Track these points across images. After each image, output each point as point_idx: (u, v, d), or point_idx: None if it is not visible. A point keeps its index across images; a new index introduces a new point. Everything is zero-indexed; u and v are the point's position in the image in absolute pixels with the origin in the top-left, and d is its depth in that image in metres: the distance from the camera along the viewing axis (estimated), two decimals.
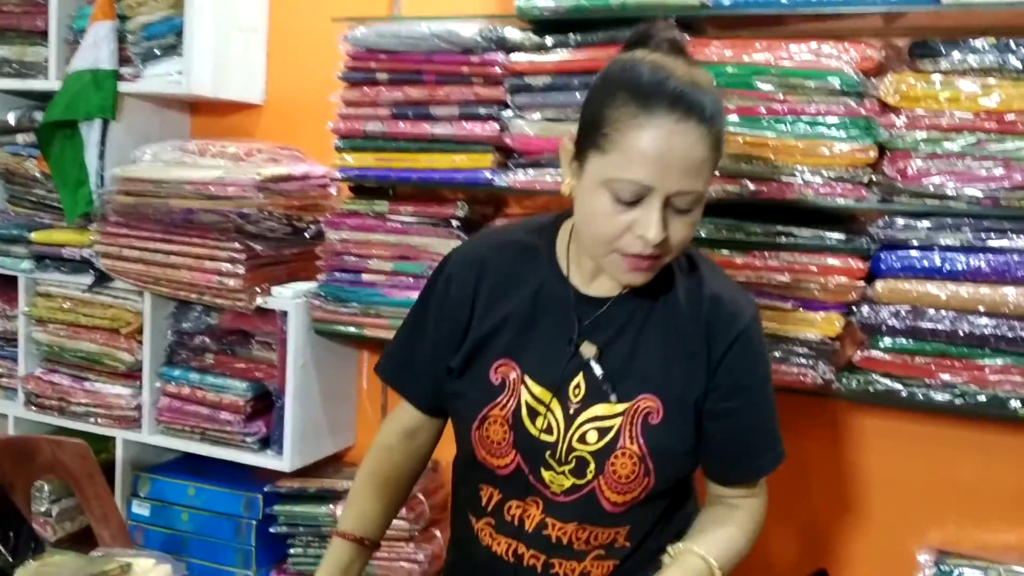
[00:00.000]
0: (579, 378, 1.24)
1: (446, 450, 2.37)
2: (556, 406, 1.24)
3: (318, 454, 2.35)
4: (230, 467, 2.35)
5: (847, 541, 2.07)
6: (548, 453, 1.24)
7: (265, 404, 2.30)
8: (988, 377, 1.73)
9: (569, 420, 1.23)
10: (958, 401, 1.75)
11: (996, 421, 1.85)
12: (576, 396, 1.23)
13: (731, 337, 1.22)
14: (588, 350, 1.24)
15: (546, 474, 1.25)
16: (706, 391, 1.23)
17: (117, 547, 1.90)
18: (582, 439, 1.22)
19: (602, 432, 1.22)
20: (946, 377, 1.75)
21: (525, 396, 1.24)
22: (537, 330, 1.26)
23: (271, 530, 2.29)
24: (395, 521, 2.22)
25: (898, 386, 1.78)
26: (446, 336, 1.30)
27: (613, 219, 1.12)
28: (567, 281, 1.26)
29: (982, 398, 1.74)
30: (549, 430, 1.23)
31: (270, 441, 2.28)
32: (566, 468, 1.24)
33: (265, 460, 2.27)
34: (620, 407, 1.22)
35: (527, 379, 1.24)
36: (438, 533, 2.30)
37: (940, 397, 1.76)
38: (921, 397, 1.77)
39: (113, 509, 2.00)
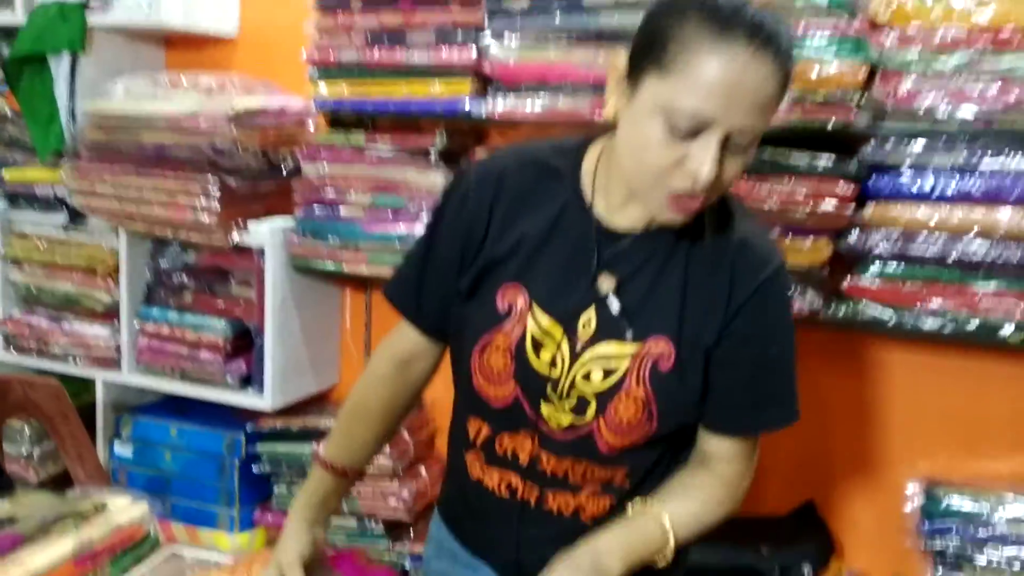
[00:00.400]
0: (590, 312, 1.17)
1: (432, 389, 2.35)
2: (563, 340, 1.17)
3: (301, 393, 2.32)
4: (212, 407, 2.33)
5: (834, 473, 2.05)
6: (549, 387, 1.19)
7: (245, 343, 2.26)
8: (979, 303, 1.68)
9: (575, 356, 1.17)
10: (948, 328, 1.71)
11: (987, 348, 1.81)
12: (585, 331, 1.17)
13: (755, 284, 1.14)
14: (605, 284, 1.17)
15: (545, 408, 1.19)
16: (719, 337, 1.16)
17: (94, 487, 1.88)
18: (586, 377, 1.17)
19: (608, 372, 1.16)
20: (936, 303, 1.71)
21: (531, 326, 1.18)
22: (551, 257, 1.18)
23: (254, 469, 2.27)
24: (380, 459, 2.24)
25: (887, 313, 1.74)
26: (458, 254, 1.22)
27: (664, 151, 1.03)
28: (589, 210, 1.18)
29: (973, 325, 1.69)
30: (553, 363, 1.18)
31: (251, 380, 2.25)
32: (567, 404, 1.18)
33: (246, 399, 2.24)
34: (630, 348, 1.15)
35: (535, 308, 1.18)
36: (423, 471, 2.28)
37: (930, 324, 1.72)
38: (910, 324, 1.73)
39: (89, 449, 1.97)
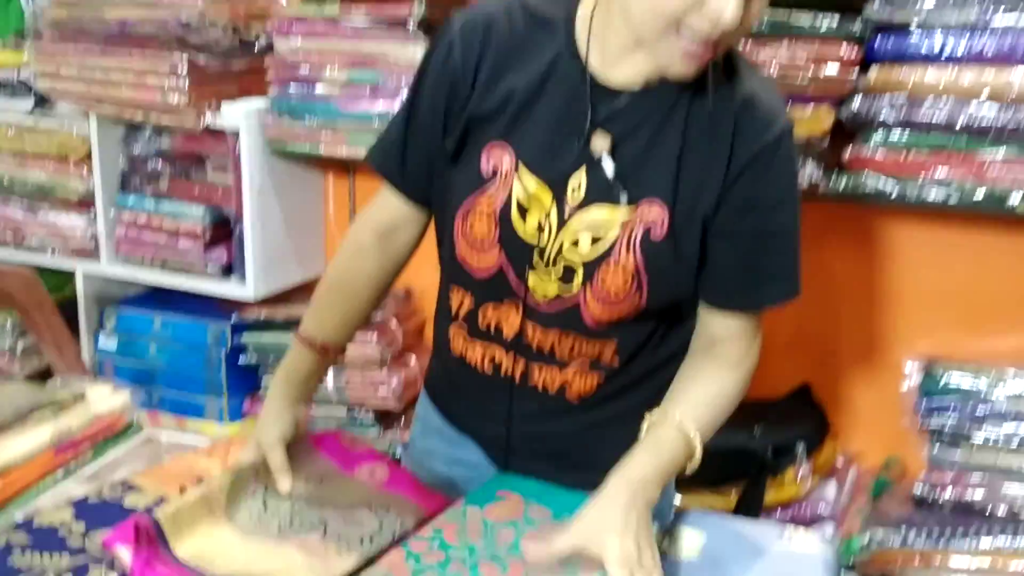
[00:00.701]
0: (581, 174, 1.09)
1: (420, 277, 2.28)
2: (551, 204, 1.09)
3: (285, 282, 2.26)
4: (196, 299, 2.28)
5: (831, 355, 2.00)
6: (536, 254, 1.11)
7: (225, 231, 2.20)
8: (987, 171, 1.60)
9: (563, 222, 1.09)
10: (954, 198, 1.63)
11: (992, 219, 1.74)
12: (575, 195, 1.09)
13: (757, 146, 1.05)
14: (600, 143, 1.08)
15: (531, 278, 1.12)
16: (718, 205, 1.07)
17: (74, 377, 1.84)
18: (574, 244, 1.09)
19: (597, 239, 1.08)
20: (942, 173, 1.63)
21: (517, 189, 1.10)
22: (541, 114, 1.10)
23: (241, 360, 2.24)
24: (367, 348, 2.21)
25: (890, 185, 1.66)
26: (442, 111, 1.14)
27: None
28: (584, 64, 1.08)
29: (979, 195, 1.62)
30: (540, 229, 1.10)
31: (233, 269, 2.20)
32: (553, 272, 1.11)
33: (229, 288, 2.19)
34: (621, 214, 1.07)
35: (522, 169, 1.10)
36: (412, 360, 2.24)
37: (935, 195, 1.64)
38: (914, 196, 1.65)
39: (67, 339, 1.93)
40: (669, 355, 1.20)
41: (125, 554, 0.99)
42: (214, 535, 1.05)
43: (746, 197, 1.06)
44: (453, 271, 1.19)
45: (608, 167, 1.07)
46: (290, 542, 1.07)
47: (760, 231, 1.09)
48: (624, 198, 1.07)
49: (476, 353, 1.21)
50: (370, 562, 1.03)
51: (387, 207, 1.25)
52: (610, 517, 0.98)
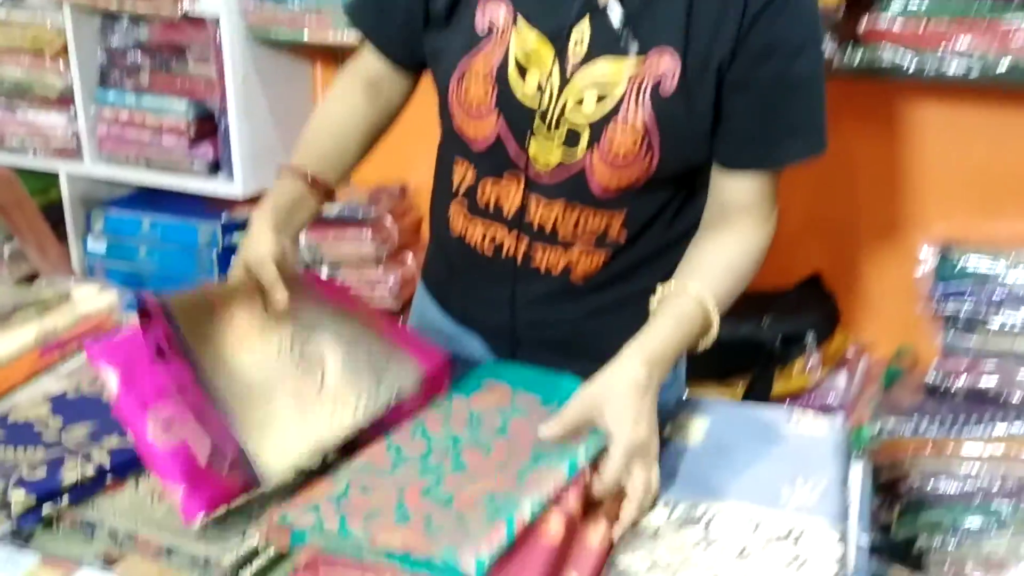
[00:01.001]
0: (584, 25, 1.00)
1: (415, 173, 2.21)
2: (552, 61, 1.01)
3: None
4: (186, 200, 2.22)
5: (843, 242, 1.92)
6: (537, 118, 1.04)
7: (211, 126, 2.12)
8: (1012, 40, 1.50)
9: (565, 80, 1.02)
10: (975, 71, 1.53)
11: (1015, 94, 1.65)
12: (577, 50, 1.01)
13: None
14: None
15: (532, 144, 1.05)
16: (733, 54, 0.99)
17: (59, 278, 1.79)
18: (578, 103, 1.02)
19: (602, 97, 1.01)
20: (963, 43, 1.53)
21: (515, 46, 1.02)
22: None
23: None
24: (362, 246, 2.14)
25: (908, 57, 1.56)
26: None
27: None
28: None
29: (1003, 66, 1.52)
30: (540, 90, 1.02)
31: (220, 166, 2.12)
32: (556, 136, 1.03)
33: (216, 186, 2.12)
34: (628, 66, 0.99)
35: (520, 22, 1.02)
36: (410, 258, 2.18)
37: (955, 68, 1.55)
38: (933, 69, 1.56)
39: (50, 239, 1.87)
40: (679, 234, 1.13)
41: (109, 376, 0.94)
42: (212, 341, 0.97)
43: (764, 43, 0.98)
44: (453, 143, 1.12)
45: (615, 13, 0.98)
46: (284, 385, 0.97)
47: (780, 80, 1.00)
48: (634, 48, 0.98)
49: (476, 233, 1.15)
50: (354, 445, 0.97)
51: (369, 63, 1.19)
52: (626, 397, 0.92)
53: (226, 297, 1.02)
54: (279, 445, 0.92)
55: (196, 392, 0.93)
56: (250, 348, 1.00)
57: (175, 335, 0.94)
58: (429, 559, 0.77)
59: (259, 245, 1.03)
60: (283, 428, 0.94)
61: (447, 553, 0.76)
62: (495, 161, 1.08)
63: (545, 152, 1.05)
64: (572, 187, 1.06)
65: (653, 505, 0.93)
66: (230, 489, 0.89)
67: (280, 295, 1.01)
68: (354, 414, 0.98)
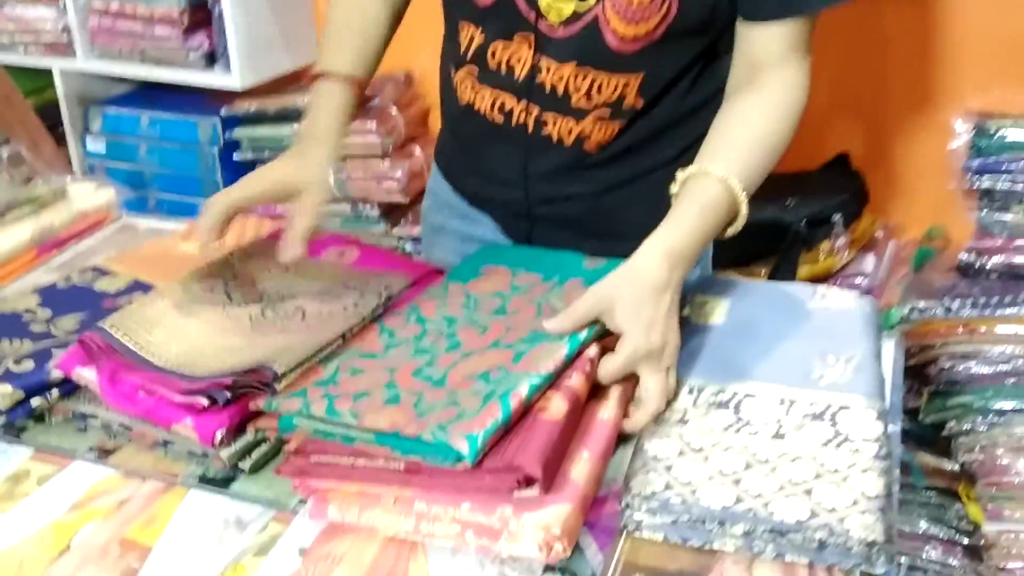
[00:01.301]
0: None
1: (420, 61, 2.10)
2: None
3: (274, 71, 2.09)
4: (184, 96, 2.14)
5: (871, 118, 1.83)
6: None
7: (205, 15, 2.02)
8: None
9: None
10: None
11: None
12: None
13: None
14: None
15: None
16: None
17: (54, 175, 1.74)
18: None
19: None
20: None
21: None
22: None
23: (235, 157, 2.11)
24: (367, 137, 2.05)
25: None
26: None
27: None
28: None
29: None
30: None
31: (216, 57, 2.03)
32: None
33: (213, 78, 2.03)
34: None
35: None
36: (418, 150, 2.10)
37: None
38: None
39: (43, 135, 1.81)
40: (699, 102, 1.05)
41: (89, 374, 0.88)
42: (177, 334, 0.92)
43: None
44: (458, 4, 1.05)
45: None
46: (268, 335, 0.93)
47: None
48: None
49: (485, 100, 1.08)
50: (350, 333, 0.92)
51: None
52: (640, 299, 0.85)
53: (184, 290, 0.98)
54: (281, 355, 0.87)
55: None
56: (223, 333, 0.93)
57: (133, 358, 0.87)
58: (419, 438, 0.72)
59: (236, 187, 0.98)
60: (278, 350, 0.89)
61: (438, 431, 0.72)
62: (504, 19, 1.01)
63: (558, 4, 0.97)
64: (585, 44, 0.98)
65: (677, 394, 0.87)
66: (241, 407, 0.84)
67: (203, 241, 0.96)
68: (344, 314, 0.94)
